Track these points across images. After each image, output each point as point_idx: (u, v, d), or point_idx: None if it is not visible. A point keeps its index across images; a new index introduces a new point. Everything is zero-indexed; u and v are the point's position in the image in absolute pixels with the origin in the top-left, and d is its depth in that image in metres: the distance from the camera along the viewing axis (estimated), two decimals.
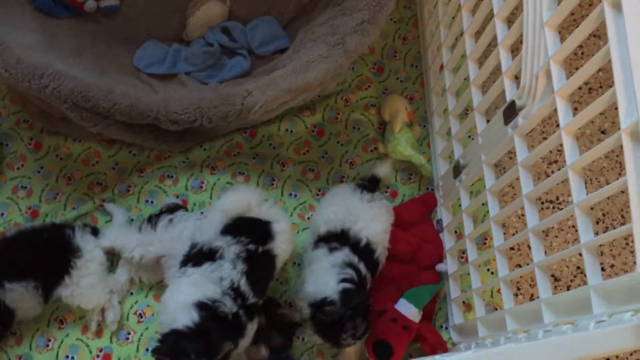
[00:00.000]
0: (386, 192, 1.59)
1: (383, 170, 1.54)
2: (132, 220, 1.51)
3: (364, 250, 1.36)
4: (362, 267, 1.34)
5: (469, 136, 1.58)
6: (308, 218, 1.55)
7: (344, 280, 1.28)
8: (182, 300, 1.20)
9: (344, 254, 1.34)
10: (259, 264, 1.28)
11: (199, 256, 1.27)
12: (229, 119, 1.40)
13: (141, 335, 1.42)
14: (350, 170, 1.60)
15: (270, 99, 1.36)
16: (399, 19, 1.75)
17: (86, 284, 1.35)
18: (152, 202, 1.53)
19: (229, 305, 1.20)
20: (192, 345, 1.12)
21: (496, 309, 1.49)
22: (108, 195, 1.51)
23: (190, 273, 1.25)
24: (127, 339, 1.42)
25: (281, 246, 1.33)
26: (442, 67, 1.56)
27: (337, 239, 1.37)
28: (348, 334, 1.26)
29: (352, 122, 1.65)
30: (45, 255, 1.32)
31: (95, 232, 1.41)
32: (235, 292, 1.23)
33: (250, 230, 1.30)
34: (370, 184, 1.50)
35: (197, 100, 1.40)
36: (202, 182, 1.55)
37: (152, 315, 1.44)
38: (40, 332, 1.41)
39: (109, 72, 1.47)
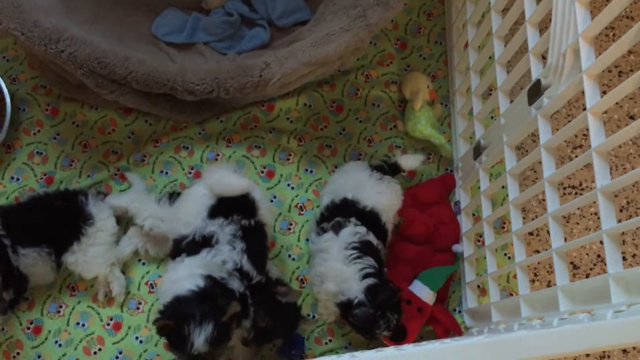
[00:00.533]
0: (404, 172, 1.55)
1: (410, 163, 1.45)
2: (146, 190, 1.50)
3: (369, 216, 1.33)
4: (372, 237, 1.31)
5: (492, 117, 1.53)
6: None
7: (365, 276, 1.25)
8: (185, 273, 1.17)
9: (350, 228, 1.30)
10: (255, 237, 1.26)
11: (193, 245, 1.23)
12: (246, 90, 1.38)
13: (152, 305, 1.42)
14: (369, 148, 1.57)
15: (288, 71, 1.33)
16: None
17: (92, 253, 1.35)
18: (166, 173, 1.51)
19: (236, 286, 1.19)
20: (196, 306, 1.09)
21: (511, 295, 1.46)
22: (123, 164, 1.50)
23: (187, 262, 1.21)
24: (138, 308, 1.42)
25: (266, 213, 1.31)
26: (466, 45, 1.51)
27: (340, 210, 1.34)
28: (382, 328, 1.24)
29: (372, 98, 1.61)
30: (59, 221, 1.32)
31: (104, 196, 1.41)
32: (240, 272, 1.21)
33: (238, 206, 1.27)
34: (389, 169, 1.44)
35: (215, 71, 1.38)
36: (218, 155, 1.53)
37: None
38: (52, 298, 1.41)
39: (127, 40, 1.45)
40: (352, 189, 1.36)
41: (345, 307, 1.25)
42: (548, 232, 1.49)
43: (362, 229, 1.31)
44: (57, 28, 1.27)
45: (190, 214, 1.27)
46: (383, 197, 1.37)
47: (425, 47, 1.66)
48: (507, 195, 1.49)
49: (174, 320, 1.08)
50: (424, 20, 1.68)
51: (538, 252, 1.54)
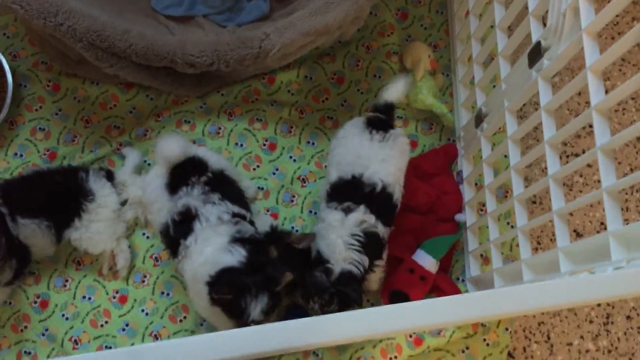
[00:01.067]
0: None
1: (395, 91, 1.38)
2: (148, 164, 1.50)
3: (380, 198, 1.28)
4: (380, 227, 1.27)
5: (493, 85, 1.53)
6: (325, 166, 1.52)
7: (353, 266, 1.23)
8: (214, 247, 1.19)
9: (359, 215, 1.26)
10: (222, 183, 1.30)
11: (182, 227, 1.24)
12: (246, 62, 1.38)
13: (157, 278, 1.43)
14: None
15: (288, 41, 1.33)
16: None
17: (95, 229, 1.36)
18: None
19: (250, 230, 1.23)
20: (251, 279, 1.12)
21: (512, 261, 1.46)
22: (125, 139, 1.51)
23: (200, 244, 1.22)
24: (143, 281, 1.43)
25: (218, 162, 1.34)
26: (467, 13, 1.50)
27: (349, 190, 1.29)
28: (317, 306, 1.22)
29: (373, 69, 1.60)
30: (58, 196, 1.33)
31: (110, 176, 1.41)
32: (239, 216, 1.25)
33: (190, 170, 1.29)
34: (385, 115, 1.37)
35: (214, 43, 1.38)
36: (219, 128, 1.53)
37: (168, 259, 1.44)
38: (58, 272, 1.42)
39: (126, 13, 1.45)
40: (356, 162, 1.31)
41: (315, 264, 1.26)
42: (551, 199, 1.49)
43: (371, 218, 1.26)
44: (56, 1, 1.26)
45: (155, 200, 1.30)
46: (389, 163, 1.31)
47: (426, 17, 1.65)
48: (507, 166, 1.51)
49: (231, 293, 1.12)
50: None
51: None
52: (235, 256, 1.16)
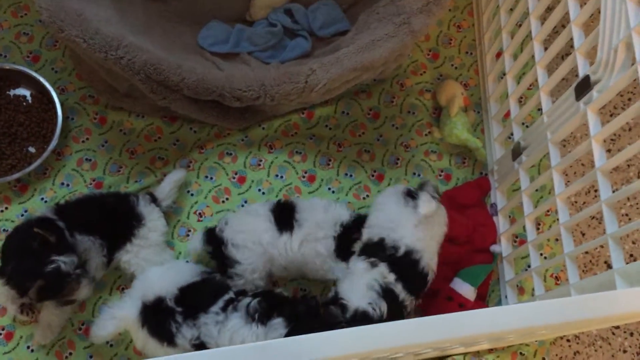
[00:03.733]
0: (440, 175, 1.61)
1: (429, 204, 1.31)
2: (191, 194, 1.54)
3: (403, 262, 1.26)
4: (399, 288, 1.26)
5: (523, 123, 1.59)
6: (363, 198, 1.57)
7: (370, 304, 1.23)
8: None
9: (379, 271, 1.27)
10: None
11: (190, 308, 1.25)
12: (291, 97, 1.44)
13: None
14: (406, 153, 1.62)
15: (334, 76, 1.39)
16: (454, 7, 1.77)
17: (144, 256, 1.39)
18: (211, 178, 1.56)
19: None
20: None
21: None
22: (169, 170, 1.55)
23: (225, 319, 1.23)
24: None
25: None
26: (499, 54, 1.58)
27: (376, 250, 1.29)
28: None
29: (407, 106, 1.67)
30: (111, 218, 1.37)
31: (154, 199, 1.46)
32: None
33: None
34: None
35: (261, 78, 1.44)
36: (260, 160, 1.58)
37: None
38: (102, 300, 1.44)
39: (175, 50, 1.51)
40: (387, 225, 1.30)
41: (333, 300, 1.26)
42: (581, 232, 1.54)
43: (391, 277, 1.27)
44: (117, 36, 1.32)
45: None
46: (422, 228, 1.29)
47: (457, 57, 1.73)
48: (542, 198, 1.57)
49: None
50: (454, 32, 1.75)
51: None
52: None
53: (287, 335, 1.17)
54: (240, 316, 1.21)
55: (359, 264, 1.29)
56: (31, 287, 1.21)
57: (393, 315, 1.25)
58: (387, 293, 1.24)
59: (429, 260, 1.29)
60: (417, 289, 1.29)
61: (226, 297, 1.25)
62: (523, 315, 0.71)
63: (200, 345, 1.22)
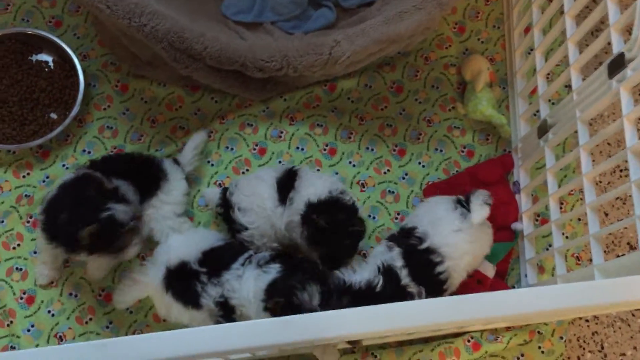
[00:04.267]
0: (462, 151, 1.59)
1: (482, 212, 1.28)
2: (212, 165, 1.54)
3: (420, 257, 1.26)
4: (403, 273, 1.26)
5: (550, 99, 1.56)
6: (384, 172, 1.56)
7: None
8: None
9: (391, 256, 1.28)
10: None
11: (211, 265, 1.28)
12: (314, 68, 1.42)
13: None
14: (428, 128, 1.60)
15: (359, 48, 1.37)
16: None
17: (165, 212, 1.41)
18: (232, 149, 1.55)
19: None
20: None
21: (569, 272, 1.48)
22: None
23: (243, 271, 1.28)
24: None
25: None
26: (528, 29, 1.54)
27: (402, 236, 1.32)
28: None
29: (431, 80, 1.64)
30: (140, 171, 1.39)
31: (177, 162, 1.47)
32: None
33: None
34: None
35: (284, 49, 1.42)
36: (281, 132, 1.57)
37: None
38: (123, 267, 1.45)
39: (198, 18, 1.49)
40: (427, 219, 1.31)
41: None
42: (605, 212, 1.52)
43: (399, 262, 1.26)
44: (140, 2, 1.31)
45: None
46: (460, 237, 1.27)
47: (483, 31, 1.69)
48: (565, 177, 1.54)
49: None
50: (481, 5, 1.71)
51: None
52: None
53: (274, 280, 1.21)
54: (252, 267, 1.26)
55: (379, 247, 1.33)
56: (83, 236, 1.18)
57: (392, 296, 1.25)
58: (389, 273, 1.26)
59: (453, 272, 1.27)
60: (430, 290, 1.27)
61: (246, 254, 1.30)
62: (551, 297, 0.70)
63: (224, 303, 1.25)
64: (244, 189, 1.38)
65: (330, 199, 1.30)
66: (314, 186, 1.32)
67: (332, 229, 1.27)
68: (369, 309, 0.68)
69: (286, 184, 1.36)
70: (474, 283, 1.40)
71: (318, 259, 1.31)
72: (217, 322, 1.27)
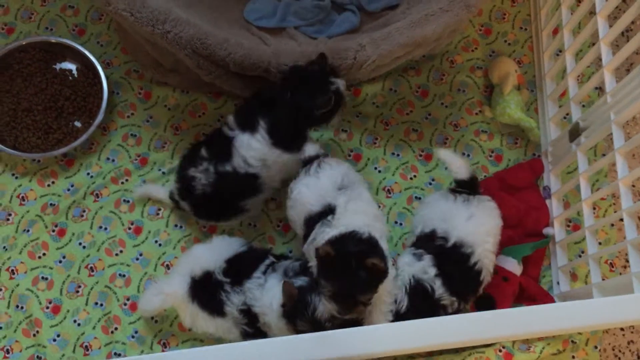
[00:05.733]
0: (490, 156, 1.56)
1: (462, 167, 1.29)
2: None
3: (451, 254, 1.24)
4: (437, 285, 1.22)
5: (581, 102, 1.53)
6: (410, 178, 1.53)
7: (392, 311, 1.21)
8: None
9: (421, 265, 1.24)
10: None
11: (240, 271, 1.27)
12: (339, 72, 1.39)
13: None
14: (454, 133, 1.57)
15: (384, 52, 1.35)
16: None
17: None
18: None
19: None
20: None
21: (603, 279, 1.44)
22: None
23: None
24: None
25: None
26: (556, 30, 1.51)
27: (426, 242, 1.28)
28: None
29: (457, 84, 1.61)
30: None
31: None
32: None
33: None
34: (470, 186, 1.31)
35: (308, 54, 1.40)
36: None
37: None
38: (148, 275, 1.44)
39: (221, 24, 1.48)
40: (438, 217, 1.29)
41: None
42: (639, 217, 1.47)
43: (432, 272, 1.23)
44: (164, 9, 1.30)
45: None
46: (474, 222, 1.26)
47: (510, 33, 1.66)
48: (597, 181, 1.50)
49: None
50: (508, 6, 1.68)
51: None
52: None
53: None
54: (277, 277, 1.24)
55: (405, 258, 1.28)
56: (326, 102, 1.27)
57: (423, 312, 1.19)
58: (415, 291, 1.22)
59: (484, 257, 1.25)
60: (465, 288, 1.25)
61: (267, 261, 1.29)
62: (592, 312, 0.67)
63: (246, 310, 1.24)
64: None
65: (345, 233, 1.14)
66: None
67: (343, 259, 1.10)
68: (409, 324, 0.65)
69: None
70: (500, 280, 1.37)
71: (332, 301, 1.13)
72: (242, 330, 1.26)
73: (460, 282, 1.24)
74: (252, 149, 1.29)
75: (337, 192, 1.22)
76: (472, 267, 1.24)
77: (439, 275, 1.23)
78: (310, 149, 1.31)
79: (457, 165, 1.29)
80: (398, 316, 1.22)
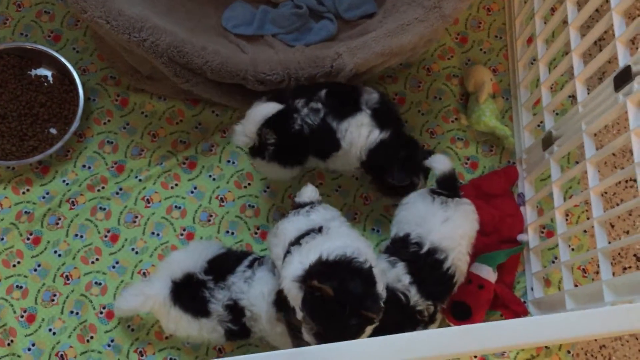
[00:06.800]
0: (466, 163, 1.58)
1: (442, 161, 1.31)
2: (213, 179, 1.52)
3: (426, 261, 1.23)
4: (412, 292, 1.20)
5: (554, 110, 1.55)
6: None
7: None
8: None
9: (395, 273, 1.22)
10: None
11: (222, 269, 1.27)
12: (317, 81, 1.40)
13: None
14: (431, 140, 1.59)
15: (361, 61, 1.36)
16: None
17: None
18: (233, 163, 1.54)
19: None
20: None
21: (576, 285, 1.47)
22: (191, 154, 1.53)
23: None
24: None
25: None
26: (530, 39, 1.53)
27: (399, 248, 1.26)
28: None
29: (434, 91, 1.63)
30: None
31: None
32: None
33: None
34: (444, 187, 1.31)
35: (285, 62, 1.41)
36: None
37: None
38: (124, 284, 1.44)
39: (198, 32, 1.48)
40: (413, 221, 1.28)
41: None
42: (611, 224, 1.51)
43: (406, 280, 1.21)
44: (140, 17, 1.30)
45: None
46: (450, 225, 1.25)
47: (486, 42, 1.68)
48: (570, 188, 1.53)
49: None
50: (483, 15, 1.70)
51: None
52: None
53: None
54: (268, 269, 1.24)
55: (380, 264, 1.25)
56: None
57: (398, 322, 1.19)
58: (392, 301, 1.17)
59: (457, 260, 1.25)
60: (439, 292, 1.25)
61: (250, 258, 1.29)
62: (566, 326, 0.68)
63: (232, 306, 1.23)
64: None
65: (341, 258, 1.06)
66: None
67: (339, 300, 1.00)
68: (385, 339, 0.66)
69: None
70: (475, 288, 1.38)
71: (313, 338, 1.04)
72: (227, 328, 1.25)
73: (434, 286, 1.24)
74: (366, 136, 1.31)
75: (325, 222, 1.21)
76: (446, 272, 1.24)
77: (413, 283, 1.22)
78: (308, 195, 1.31)
79: (438, 159, 1.31)
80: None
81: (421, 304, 1.23)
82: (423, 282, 1.23)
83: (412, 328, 1.24)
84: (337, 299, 0.99)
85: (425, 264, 1.24)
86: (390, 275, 1.23)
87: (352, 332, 1.01)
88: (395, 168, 1.34)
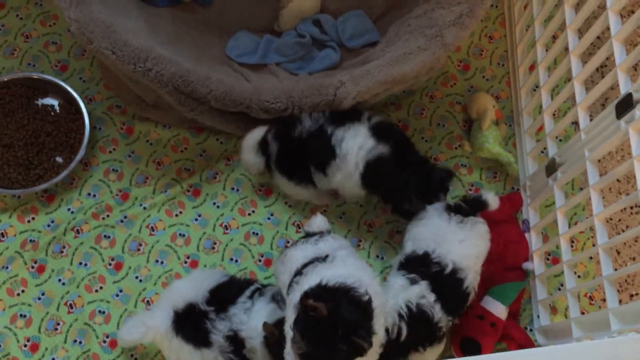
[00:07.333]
0: (470, 189, 1.58)
1: (494, 201, 1.35)
2: (217, 207, 1.53)
3: (448, 281, 1.24)
4: (436, 309, 1.22)
5: (557, 136, 1.55)
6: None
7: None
8: None
9: (421, 288, 1.22)
10: None
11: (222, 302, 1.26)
12: (320, 109, 1.42)
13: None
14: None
15: (363, 89, 1.37)
16: (485, 18, 1.74)
17: None
18: (237, 190, 1.55)
19: None
20: None
21: (582, 313, 1.45)
22: (195, 181, 1.54)
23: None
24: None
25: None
26: (532, 66, 1.54)
27: (419, 264, 1.26)
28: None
29: (437, 118, 1.64)
30: None
31: None
32: None
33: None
34: (470, 207, 1.33)
35: (289, 90, 1.42)
36: None
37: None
38: (127, 312, 1.43)
39: (203, 61, 1.49)
40: (431, 238, 1.28)
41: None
42: (617, 251, 1.50)
43: (431, 297, 1.22)
44: (145, 48, 1.31)
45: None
46: (467, 245, 1.27)
47: (488, 69, 1.69)
48: (575, 214, 1.52)
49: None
50: (485, 42, 1.72)
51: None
52: None
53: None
54: (266, 301, 1.24)
55: (397, 280, 1.25)
56: None
57: (423, 338, 1.22)
58: (420, 315, 1.20)
59: (474, 280, 1.27)
60: (457, 310, 1.26)
61: (252, 287, 1.28)
62: (570, 357, 0.67)
63: (233, 337, 1.22)
64: None
65: (340, 286, 1.05)
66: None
67: (331, 322, 0.98)
68: None
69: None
70: (488, 326, 1.37)
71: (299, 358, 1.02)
72: (228, 359, 1.24)
73: (454, 304, 1.26)
74: (361, 146, 1.33)
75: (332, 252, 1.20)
76: (465, 290, 1.26)
77: (437, 300, 1.23)
78: (317, 225, 1.30)
79: (493, 199, 1.34)
80: (396, 343, 1.19)
81: (444, 320, 1.24)
82: (445, 300, 1.24)
83: (431, 344, 1.25)
84: (330, 320, 0.98)
85: (447, 283, 1.24)
86: (412, 292, 1.22)
87: (339, 358, 0.99)
88: (413, 196, 1.35)
